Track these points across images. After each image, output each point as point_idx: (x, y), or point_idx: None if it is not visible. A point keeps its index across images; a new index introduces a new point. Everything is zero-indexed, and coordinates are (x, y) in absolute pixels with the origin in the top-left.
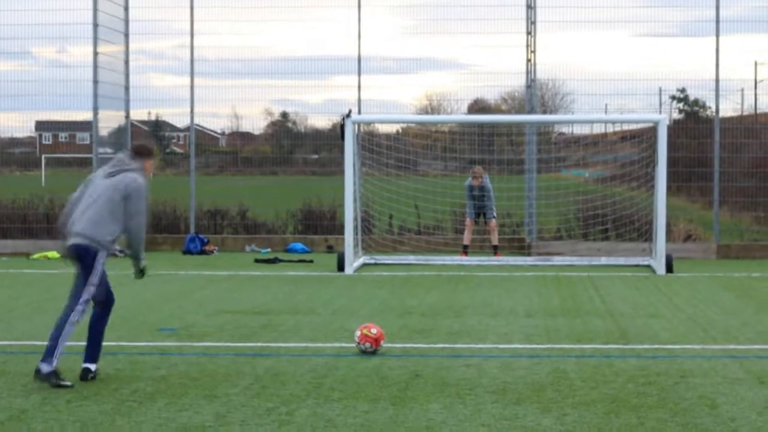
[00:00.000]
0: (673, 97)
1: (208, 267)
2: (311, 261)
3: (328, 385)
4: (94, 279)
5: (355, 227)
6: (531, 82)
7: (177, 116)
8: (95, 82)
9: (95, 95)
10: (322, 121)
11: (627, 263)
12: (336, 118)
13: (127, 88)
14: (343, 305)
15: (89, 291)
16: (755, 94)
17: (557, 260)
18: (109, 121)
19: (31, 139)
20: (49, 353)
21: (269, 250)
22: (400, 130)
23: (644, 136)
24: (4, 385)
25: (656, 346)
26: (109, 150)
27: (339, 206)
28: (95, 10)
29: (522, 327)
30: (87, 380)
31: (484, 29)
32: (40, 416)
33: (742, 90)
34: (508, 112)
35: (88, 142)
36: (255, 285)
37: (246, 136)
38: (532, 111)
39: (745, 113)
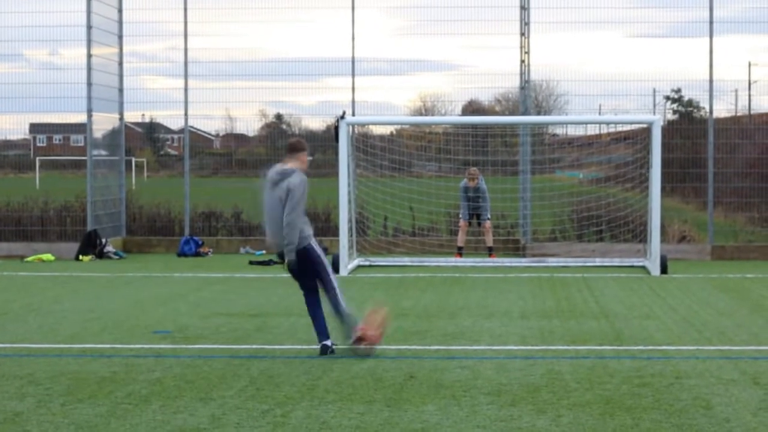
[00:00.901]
0: (667, 98)
1: (203, 269)
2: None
3: (322, 386)
4: (328, 268)
5: (350, 229)
6: (525, 83)
7: (171, 118)
8: (89, 84)
9: (89, 97)
10: (316, 123)
11: (621, 264)
12: (330, 120)
13: (121, 90)
14: None
15: (333, 279)
16: (749, 95)
17: (552, 261)
18: (104, 123)
19: (25, 141)
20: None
21: (264, 252)
22: (395, 132)
23: (638, 137)
24: None
25: (651, 348)
26: (103, 152)
27: (333, 208)
28: (89, 12)
29: (517, 328)
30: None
31: (477, 30)
32: (34, 419)
33: (736, 91)
34: (502, 113)
35: (82, 144)
36: (250, 287)
37: (240, 138)
38: (526, 112)
39: (739, 114)
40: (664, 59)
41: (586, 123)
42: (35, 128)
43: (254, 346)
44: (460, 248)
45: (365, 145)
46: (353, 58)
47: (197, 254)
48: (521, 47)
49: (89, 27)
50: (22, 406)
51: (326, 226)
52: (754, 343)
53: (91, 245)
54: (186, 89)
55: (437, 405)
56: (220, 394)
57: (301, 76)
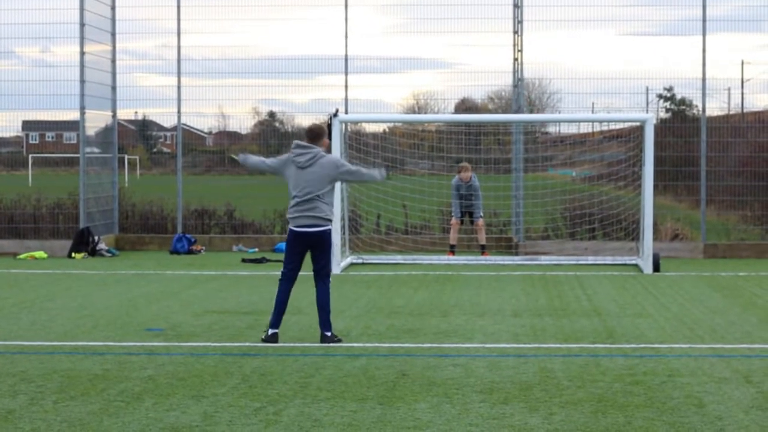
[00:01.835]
0: (660, 96)
1: (196, 267)
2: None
3: (315, 384)
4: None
5: (342, 227)
6: (518, 81)
7: (164, 116)
8: (82, 81)
9: (82, 95)
10: (309, 121)
11: (614, 262)
12: (323, 118)
13: (114, 88)
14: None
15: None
16: (742, 93)
17: (544, 259)
18: (96, 120)
19: (17, 138)
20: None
21: (256, 249)
22: (387, 130)
23: (631, 135)
24: None
25: (643, 346)
26: (96, 150)
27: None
28: (82, 9)
29: (509, 326)
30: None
31: (470, 28)
32: (27, 416)
33: (729, 89)
34: (495, 111)
35: (75, 141)
36: (242, 285)
37: (233, 136)
38: (519, 110)
39: (732, 112)
40: (656, 57)
41: (579, 121)
42: (28, 125)
43: (247, 344)
44: (452, 246)
45: (358, 142)
46: (346, 55)
47: (190, 252)
48: (514, 45)
49: (82, 24)
50: (14, 403)
51: None
52: (747, 341)
53: (83, 243)
54: (179, 87)
55: (429, 403)
56: (212, 391)
57: (294, 74)
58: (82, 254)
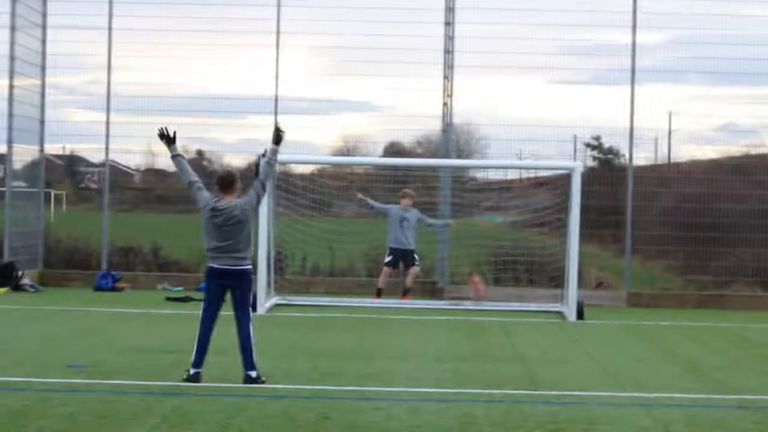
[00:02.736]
0: (588, 145)
1: (120, 304)
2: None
3: (236, 425)
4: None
5: (268, 267)
6: (447, 126)
7: (92, 152)
8: (10, 115)
9: (10, 128)
10: (237, 160)
11: (538, 309)
12: (252, 158)
13: (42, 122)
14: None
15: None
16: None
17: (469, 305)
18: (23, 155)
19: None
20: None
21: (182, 288)
22: (316, 171)
23: (557, 183)
24: None
25: (566, 393)
26: (22, 184)
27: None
28: (12, 42)
29: (432, 371)
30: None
31: (401, 72)
32: None
33: (656, 139)
34: (424, 155)
35: (1, 175)
36: (166, 323)
37: (161, 173)
38: (447, 155)
39: (658, 162)
40: (585, 106)
41: (507, 168)
42: None
43: (168, 383)
44: (379, 290)
45: (287, 183)
46: (276, 96)
47: (114, 289)
48: (444, 90)
49: (12, 58)
50: None
51: None
52: (667, 390)
53: (7, 277)
54: (108, 123)
55: None
56: (132, 430)
57: (224, 113)
58: (5, 289)
